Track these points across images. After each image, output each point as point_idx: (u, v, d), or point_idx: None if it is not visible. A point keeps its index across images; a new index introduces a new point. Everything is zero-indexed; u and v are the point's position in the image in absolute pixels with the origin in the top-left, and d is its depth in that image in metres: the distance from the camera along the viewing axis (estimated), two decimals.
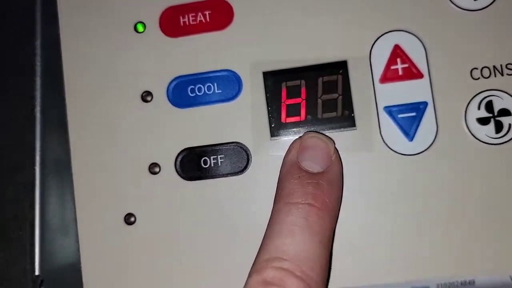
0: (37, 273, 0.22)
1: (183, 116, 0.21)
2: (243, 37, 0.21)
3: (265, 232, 0.19)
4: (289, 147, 0.20)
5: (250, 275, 0.19)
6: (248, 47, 0.21)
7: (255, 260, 0.19)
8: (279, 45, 0.21)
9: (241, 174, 0.21)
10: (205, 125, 0.21)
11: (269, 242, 0.19)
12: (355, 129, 0.20)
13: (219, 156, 0.21)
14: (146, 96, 0.21)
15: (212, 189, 0.21)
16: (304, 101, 0.20)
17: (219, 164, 0.21)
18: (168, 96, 0.21)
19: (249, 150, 0.21)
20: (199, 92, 0.21)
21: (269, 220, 0.19)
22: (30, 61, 0.23)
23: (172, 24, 0.21)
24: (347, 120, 0.20)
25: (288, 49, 0.21)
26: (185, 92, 0.21)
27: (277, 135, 0.21)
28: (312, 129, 0.20)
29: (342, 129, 0.20)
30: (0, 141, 0.22)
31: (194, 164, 0.21)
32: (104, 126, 0.21)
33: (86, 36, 0.22)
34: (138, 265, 0.21)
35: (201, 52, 0.21)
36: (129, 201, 0.21)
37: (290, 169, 0.19)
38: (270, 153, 0.21)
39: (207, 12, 0.21)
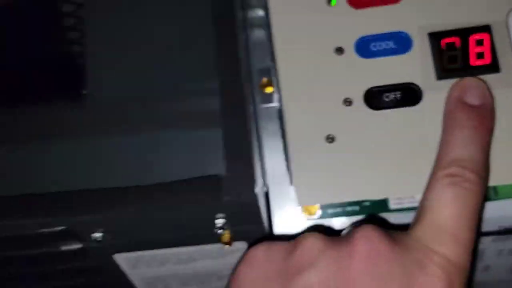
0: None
1: (368, 64, 0.29)
2: (411, 8, 0.29)
3: (440, 147, 0.27)
4: (453, 87, 0.27)
5: (435, 171, 0.26)
6: (416, 15, 0.29)
7: (436, 164, 0.26)
8: (439, 13, 0.29)
9: (414, 106, 0.28)
10: (385, 70, 0.29)
11: (447, 151, 0.26)
12: (499, 73, 0.28)
13: (397, 92, 0.28)
14: (338, 51, 0.29)
15: (392, 116, 0.28)
16: (460, 52, 0.28)
17: (398, 98, 0.28)
18: (356, 50, 0.29)
19: (420, 88, 0.28)
20: (379, 47, 0.29)
21: (442, 139, 0.27)
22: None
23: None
24: (493, 66, 0.28)
25: (447, 16, 0.29)
26: (368, 47, 0.29)
27: (440, 78, 0.28)
28: (466, 74, 0.28)
29: (489, 73, 0.28)
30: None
31: (378, 98, 0.28)
32: (310, 72, 0.29)
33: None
34: (338, 174, 0.28)
35: (380, 19, 0.29)
36: (329, 125, 0.28)
37: (456, 103, 0.27)
38: (437, 91, 0.28)
39: None
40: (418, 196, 0.29)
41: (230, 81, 0.30)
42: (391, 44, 0.29)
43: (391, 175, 0.28)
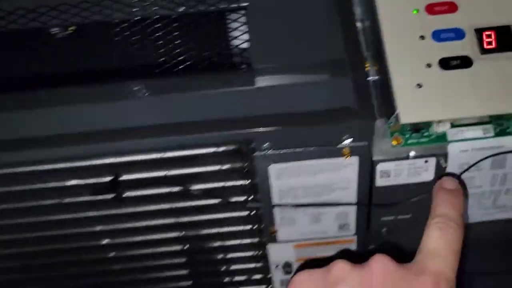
0: None
1: (440, 45, 0.48)
2: (464, 15, 0.49)
3: (431, 210, 0.41)
4: (438, 182, 0.44)
5: (428, 223, 0.40)
6: (467, 18, 0.49)
7: (429, 219, 0.40)
8: (481, 18, 0.49)
9: (468, 68, 0.48)
10: (450, 48, 0.48)
11: (435, 210, 0.41)
12: None
13: (458, 60, 0.48)
14: (421, 38, 0.49)
15: (455, 73, 0.47)
16: (493, 39, 0.48)
17: (459, 63, 0.48)
18: (432, 37, 0.49)
19: (471, 58, 0.48)
20: (446, 36, 0.49)
21: (432, 206, 0.41)
22: None
23: (431, 10, 0.50)
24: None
25: (486, 19, 0.49)
26: (440, 36, 0.49)
27: (483, 54, 0.48)
28: (497, 51, 0.48)
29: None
30: None
31: (447, 63, 0.48)
32: (405, 48, 0.48)
33: None
34: (424, 106, 0.47)
35: (445, 20, 0.49)
36: (418, 78, 0.47)
37: (439, 188, 0.43)
38: (481, 61, 0.48)
39: (446, 6, 0.50)
40: (467, 132, 0.48)
41: (355, 55, 0.49)
42: (452, 35, 0.49)
43: (456, 104, 0.47)
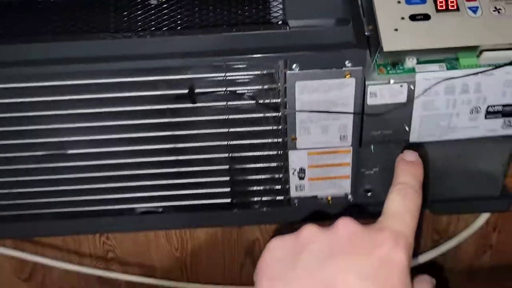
0: None
1: (412, 7, 0.74)
2: None
3: (395, 174, 0.49)
4: (400, 154, 0.53)
5: (390, 189, 0.46)
6: None
7: (391, 185, 0.47)
8: None
9: (428, 20, 0.74)
10: (418, 8, 0.74)
11: (396, 178, 0.48)
12: (459, 11, 0.74)
13: (422, 15, 0.74)
14: (398, 2, 0.75)
15: (418, 23, 0.73)
16: (444, 3, 0.74)
17: (422, 17, 0.74)
18: (405, 2, 0.75)
19: (429, 15, 0.74)
20: (414, 1, 0.75)
21: (394, 174, 0.49)
22: None
23: None
24: (458, 9, 0.74)
25: None
26: (410, 1, 0.75)
27: (437, 12, 0.74)
28: (447, 10, 0.74)
29: (455, 12, 0.74)
30: None
31: (415, 17, 0.74)
32: (389, 6, 0.74)
33: None
34: (405, 35, 0.72)
35: None
36: (395, 22, 0.73)
37: (401, 159, 0.52)
38: (436, 16, 0.74)
39: None
40: (428, 67, 0.73)
41: (356, 15, 0.75)
42: (419, 1, 0.75)
43: (419, 40, 0.72)
